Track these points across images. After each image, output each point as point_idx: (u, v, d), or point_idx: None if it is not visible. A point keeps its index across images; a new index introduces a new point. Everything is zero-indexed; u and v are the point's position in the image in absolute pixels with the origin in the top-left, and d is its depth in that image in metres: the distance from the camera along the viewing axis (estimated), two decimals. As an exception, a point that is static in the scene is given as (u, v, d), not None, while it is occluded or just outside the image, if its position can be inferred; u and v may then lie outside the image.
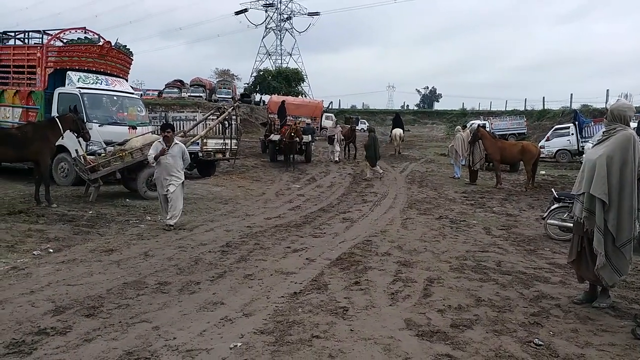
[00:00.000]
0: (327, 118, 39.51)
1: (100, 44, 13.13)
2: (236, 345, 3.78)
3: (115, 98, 12.83)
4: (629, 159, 4.51)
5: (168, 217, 8.16)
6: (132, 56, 14.30)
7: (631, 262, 4.69)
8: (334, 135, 22.06)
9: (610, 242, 4.59)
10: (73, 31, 13.24)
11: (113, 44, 13.41)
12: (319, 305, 4.71)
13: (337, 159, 21.36)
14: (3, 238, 6.91)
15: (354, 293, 5.10)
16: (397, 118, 28.33)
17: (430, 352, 3.74)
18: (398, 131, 25.69)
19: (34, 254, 6.37)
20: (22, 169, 12.60)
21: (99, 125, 11.81)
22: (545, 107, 40.89)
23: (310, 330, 4.10)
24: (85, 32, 13.35)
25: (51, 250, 6.61)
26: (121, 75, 13.84)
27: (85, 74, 12.53)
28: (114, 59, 13.52)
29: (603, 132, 4.94)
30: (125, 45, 14.06)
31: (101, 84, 12.67)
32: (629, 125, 4.78)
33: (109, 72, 13.30)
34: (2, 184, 11.53)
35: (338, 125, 23.62)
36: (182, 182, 8.31)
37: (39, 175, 9.21)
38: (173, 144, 8.18)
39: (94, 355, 3.58)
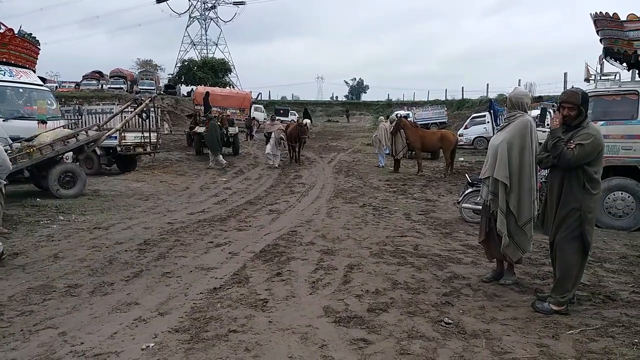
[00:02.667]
0: (256, 109, 39.03)
1: (1, 31, 12.08)
2: (148, 346, 3.66)
3: (21, 90, 11.86)
4: (526, 144, 4.82)
5: None
6: (39, 45, 13.29)
7: (532, 239, 5.03)
8: (272, 133, 17.21)
9: (513, 222, 4.90)
10: (-32, 17, 12.08)
11: (16, 32, 12.38)
12: (238, 299, 4.66)
13: (277, 164, 16.96)
14: None
15: (275, 284, 5.10)
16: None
17: (346, 338, 3.81)
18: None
19: None
20: None
21: (4, 120, 10.89)
22: (464, 97, 42.88)
23: (227, 325, 4.05)
24: (-18, 19, 12.21)
25: (-54, 257, 6.04)
26: (27, 66, 12.78)
27: (-16, 64, 11.49)
28: (17, 47, 12.44)
29: (504, 119, 5.25)
30: (31, 34, 13.02)
31: (4, 75, 11.65)
32: (527, 112, 5.09)
33: (12, 62, 12.25)
34: None
35: (277, 120, 18.77)
36: None
37: None
38: None
39: (-11, 368, 3.33)
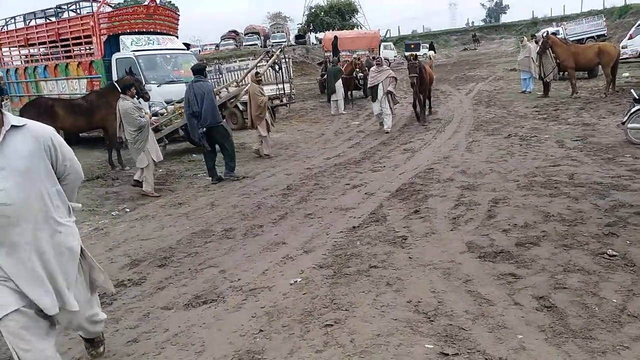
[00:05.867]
0: (385, 48, 38.03)
1: (146, 3, 13.23)
2: (296, 281, 3.88)
3: (168, 56, 13.02)
4: None
5: None
6: (179, 11, 14.34)
7: None
8: (379, 84, 11.31)
9: None
10: (117, -6, 13.39)
11: (158, 2, 13.48)
12: (377, 236, 4.69)
13: (388, 126, 11.64)
14: (85, 203, 7.42)
15: (414, 222, 5.02)
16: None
17: (492, 273, 3.63)
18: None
19: (112, 215, 6.83)
20: (100, 137, 13.33)
21: (157, 86, 12.08)
22: (628, 3, 36.62)
23: (368, 261, 4.11)
24: (129, -7, 13.46)
25: (127, 210, 7.05)
26: (171, 32, 13.96)
27: (137, 36, 12.74)
28: (161, 17, 13.62)
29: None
30: (170, 1, 14.09)
31: (153, 44, 12.85)
32: None
33: (158, 31, 13.46)
34: (82, 153, 12.32)
35: (385, 64, 12.65)
36: (79, 260, 2.69)
37: (109, 141, 9.72)
38: (3, 132, 2.37)
39: (167, 301, 3.83)
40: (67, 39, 13.46)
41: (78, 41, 13.19)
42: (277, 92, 14.71)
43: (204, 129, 7.83)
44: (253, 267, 4.33)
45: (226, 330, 3.25)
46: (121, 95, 7.54)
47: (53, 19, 14.45)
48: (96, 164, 10.50)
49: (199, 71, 8.07)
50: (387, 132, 11.51)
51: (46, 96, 12.47)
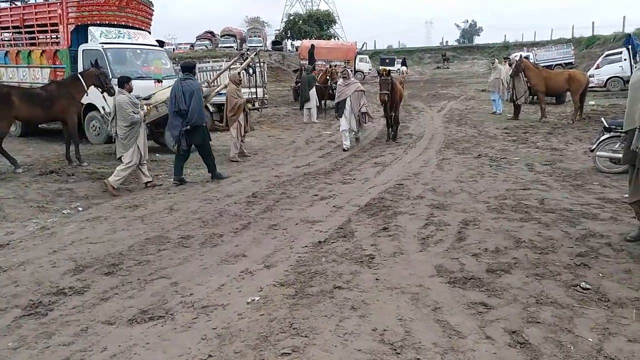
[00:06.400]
0: (361, 60, 38.24)
1: (119, -5, 12.73)
2: (254, 300, 3.60)
3: (138, 52, 12.52)
4: None
5: None
6: (153, 7, 13.88)
7: None
8: (347, 99, 10.54)
9: None
10: (89, -17, 12.82)
11: (132, -5, 12.99)
12: (343, 254, 4.45)
13: (346, 145, 10.78)
14: (34, 198, 6.95)
15: (382, 240, 4.81)
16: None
17: (462, 301, 3.43)
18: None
19: (63, 213, 6.38)
20: (59, 130, 12.69)
21: (125, 81, 11.60)
22: (595, 34, 37.92)
23: (332, 280, 3.86)
24: (102, -17, 12.92)
25: (80, 209, 6.60)
26: (143, 28, 13.47)
27: (107, 28, 12.22)
28: (134, 10, 13.12)
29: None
30: (145, -5, 13.62)
31: (123, 38, 12.35)
32: None
33: (130, 25, 12.96)
34: (39, 145, 11.70)
35: (353, 77, 12.61)
36: None
37: (68, 135, 9.20)
38: None
39: (108, 314, 3.48)
40: (32, 26, 12.80)
41: (44, 29, 12.55)
42: (250, 96, 14.34)
43: (188, 127, 7.69)
44: (208, 281, 4.02)
45: (171, 353, 2.94)
46: (118, 89, 7.47)
47: (18, 3, 13.77)
48: (52, 158, 9.91)
49: (188, 69, 8.04)
50: (346, 150, 11.11)
51: (4, 83, 11.81)
